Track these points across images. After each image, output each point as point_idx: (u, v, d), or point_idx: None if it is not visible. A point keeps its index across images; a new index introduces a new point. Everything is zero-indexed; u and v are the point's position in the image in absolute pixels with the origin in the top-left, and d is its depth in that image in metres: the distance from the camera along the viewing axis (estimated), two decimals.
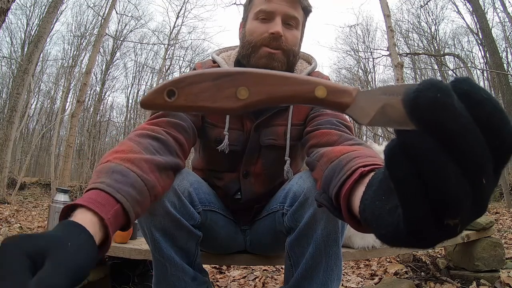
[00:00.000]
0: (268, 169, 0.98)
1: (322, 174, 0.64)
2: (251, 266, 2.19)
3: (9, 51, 15.14)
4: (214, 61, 0.99)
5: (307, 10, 0.94)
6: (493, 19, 11.48)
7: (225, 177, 0.99)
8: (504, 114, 0.23)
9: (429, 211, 0.23)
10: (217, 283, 1.96)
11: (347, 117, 0.91)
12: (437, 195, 0.22)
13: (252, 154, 0.97)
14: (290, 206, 0.84)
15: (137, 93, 18.67)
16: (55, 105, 16.56)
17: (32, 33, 13.99)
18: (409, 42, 15.01)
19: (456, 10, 13.27)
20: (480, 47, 12.02)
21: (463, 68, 11.83)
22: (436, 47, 13.99)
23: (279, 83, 0.27)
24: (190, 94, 0.27)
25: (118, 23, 16.18)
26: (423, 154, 0.22)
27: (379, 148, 1.65)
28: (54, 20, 9.30)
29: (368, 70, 15.93)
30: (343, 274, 1.88)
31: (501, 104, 0.24)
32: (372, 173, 0.40)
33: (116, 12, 12.99)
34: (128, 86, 19.11)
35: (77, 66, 14.44)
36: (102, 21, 9.70)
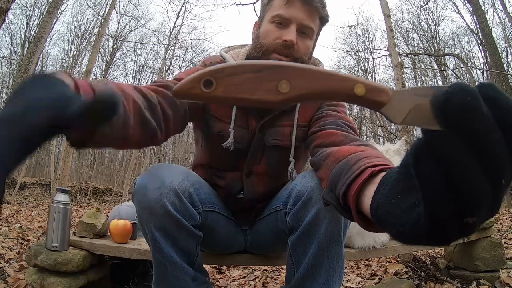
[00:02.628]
0: (271, 169, 0.98)
1: (329, 173, 0.64)
2: (251, 266, 2.19)
3: (9, 51, 15.14)
4: (222, 58, 0.98)
5: (324, 20, 0.93)
6: (493, 19, 11.47)
7: (227, 176, 0.99)
8: None
9: (452, 209, 0.24)
10: (217, 283, 1.96)
11: (351, 118, 0.92)
12: (460, 194, 0.23)
13: (256, 153, 0.97)
14: (293, 205, 0.84)
15: None
16: None
17: (32, 33, 13.98)
18: (409, 42, 15.00)
19: (456, 10, 13.27)
20: (480, 47, 12.01)
21: (463, 68, 11.83)
22: (436, 47, 13.98)
23: (320, 79, 0.27)
24: (229, 85, 0.26)
25: (118, 23, 16.18)
26: (449, 154, 0.23)
27: (380, 148, 1.65)
28: (54, 20, 9.30)
29: (368, 70, 15.92)
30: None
31: None
32: (383, 173, 0.41)
33: (116, 12, 13.01)
34: None
35: (77, 66, 14.44)
36: (102, 21, 9.70)
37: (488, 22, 8.72)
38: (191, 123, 0.99)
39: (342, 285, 1.84)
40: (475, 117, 0.22)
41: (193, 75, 0.27)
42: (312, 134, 0.89)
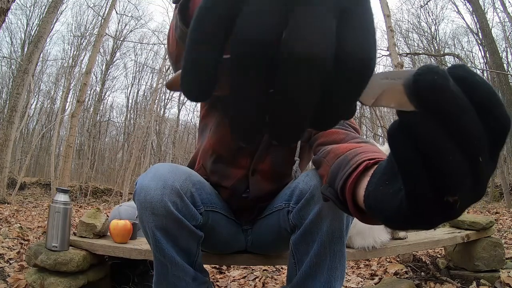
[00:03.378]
0: (275, 168, 0.98)
1: (328, 169, 0.65)
2: (251, 266, 2.19)
3: (9, 51, 15.16)
4: None
5: None
6: (493, 19, 11.49)
7: (231, 175, 0.99)
8: (497, 97, 0.24)
9: (430, 187, 0.25)
10: (217, 283, 1.96)
11: (353, 119, 0.92)
12: (436, 171, 0.24)
13: (262, 151, 0.97)
14: (296, 204, 0.84)
15: (137, 93, 18.70)
16: (55, 105, 16.56)
17: (32, 33, 13.99)
18: (409, 42, 15.02)
19: (456, 10, 13.29)
20: (480, 47, 12.02)
21: None
22: (436, 47, 14.00)
23: None
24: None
25: (118, 23, 16.21)
26: (422, 133, 0.23)
27: (380, 148, 1.66)
28: (54, 20, 9.31)
29: None
30: None
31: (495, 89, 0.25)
32: (376, 166, 0.41)
33: (116, 12, 13.01)
34: (128, 86, 19.14)
35: (77, 66, 14.45)
36: (102, 21, 9.70)
37: (488, 22, 8.72)
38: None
39: (342, 285, 1.84)
40: (443, 95, 0.22)
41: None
42: (316, 134, 0.90)
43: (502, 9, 10.04)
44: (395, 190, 0.30)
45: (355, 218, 0.75)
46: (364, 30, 0.21)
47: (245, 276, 2.11)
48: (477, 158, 0.24)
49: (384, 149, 1.70)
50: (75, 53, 15.17)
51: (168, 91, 16.09)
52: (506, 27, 11.58)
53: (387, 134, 0.26)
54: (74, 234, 1.43)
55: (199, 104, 1.24)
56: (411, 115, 0.24)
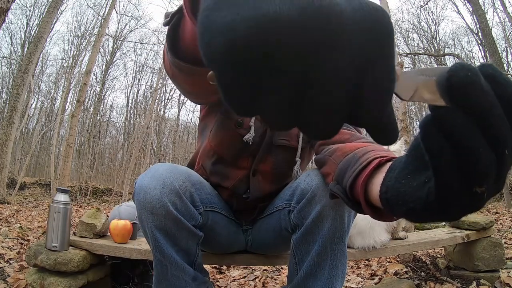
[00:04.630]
0: (277, 169, 0.99)
1: (335, 168, 0.65)
2: (251, 266, 2.19)
3: (9, 51, 15.15)
4: None
5: None
6: (493, 19, 11.49)
7: (232, 175, 0.99)
8: None
9: (460, 178, 0.27)
10: (217, 283, 1.96)
11: None
12: (466, 162, 0.26)
13: (264, 152, 0.97)
14: (297, 203, 0.84)
15: (137, 93, 18.69)
16: (55, 105, 16.56)
17: (32, 33, 13.98)
18: (409, 42, 15.02)
19: (456, 10, 13.32)
20: (480, 47, 12.03)
21: None
22: (436, 47, 14.00)
23: None
24: None
25: (118, 23, 16.21)
26: (455, 127, 0.25)
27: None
28: (54, 20, 9.30)
29: None
30: None
31: None
32: (389, 163, 0.42)
33: (116, 12, 13.00)
34: (128, 86, 19.14)
35: (77, 66, 14.44)
36: (102, 21, 9.69)
37: (488, 22, 8.72)
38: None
39: (343, 285, 1.84)
40: (475, 91, 0.24)
41: None
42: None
43: (502, 9, 10.05)
44: (419, 183, 0.31)
45: (355, 218, 0.76)
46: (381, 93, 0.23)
47: (245, 276, 2.11)
48: (503, 151, 0.25)
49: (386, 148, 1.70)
50: (75, 53, 15.17)
51: (168, 91, 16.05)
52: (506, 27, 11.58)
53: (419, 127, 0.28)
54: (74, 234, 1.43)
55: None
56: (444, 109, 0.25)
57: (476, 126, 0.25)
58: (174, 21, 0.43)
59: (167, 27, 0.45)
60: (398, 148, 1.67)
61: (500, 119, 0.24)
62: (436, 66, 0.29)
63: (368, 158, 0.52)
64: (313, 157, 0.90)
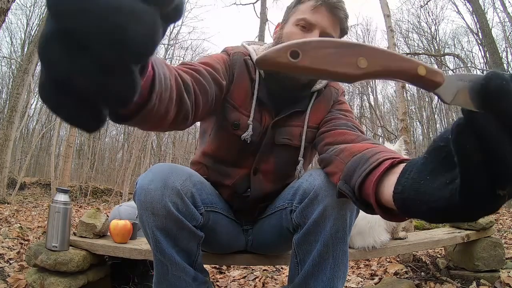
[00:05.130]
0: (279, 168, 0.99)
1: (342, 167, 0.65)
2: (251, 266, 2.19)
3: (9, 51, 15.16)
4: (245, 49, 0.98)
5: (344, 32, 0.95)
6: (493, 19, 11.49)
7: (234, 174, 0.99)
8: None
9: (487, 180, 0.28)
10: (217, 283, 1.96)
11: (358, 122, 0.94)
12: (495, 166, 0.27)
13: (265, 151, 0.97)
14: (299, 203, 0.84)
15: None
16: None
17: (32, 33, 13.99)
18: (409, 42, 15.01)
19: (456, 10, 13.30)
20: (480, 47, 12.02)
21: (463, 68, 11.83)
22: (436, 47, 13.99)
23: (392, 59, 0.31)
24: (314, 57, 0.29)
25: None
26: (487, 131, 0.26)
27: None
28: None
29: None
30: None
31: None
32: (402, 164, 0.44)
33: None
34: None
35: None
36: None
37: (488, 22, 8.71)
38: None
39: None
40: (508, 99, 0.25)
41: (279, 46, 0.30)
42: (322, 133, 0.91)
43: (502, 9, 10.04)
44: (440, 184, 0.33)
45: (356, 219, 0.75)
46: None
47: (245, 276, 2.11)
48: None
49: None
50: None
51: None
52: (506, 27, 11.58)
53: (452, 129, 0.29)
54: (74, 234, 1.43)
55: None
56: (477, 115, 0.27)
57: (505, 132, 0.26)
58: None
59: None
60: (397, 148, 1.67)
61: None
62: (472, 73, 0.31)
63: (379, 158, 0.52)
64: (316, 157, 0.90)
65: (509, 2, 10.10)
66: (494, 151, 0.26)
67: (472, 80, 0.28)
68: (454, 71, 10.86)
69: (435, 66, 0.30)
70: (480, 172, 0.28)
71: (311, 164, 1.14)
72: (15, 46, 15.21)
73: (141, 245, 1.33)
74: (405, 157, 0.53)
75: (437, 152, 0.33)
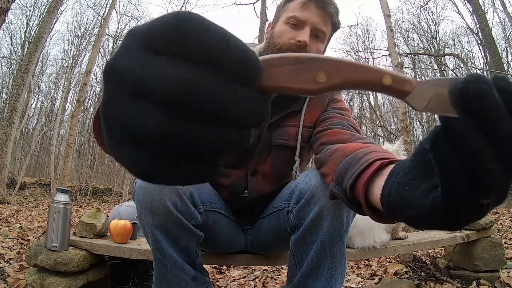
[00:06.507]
0: (276, 169, 0.99)
1: (335, 168, 0.65)
2: (251, 266, 2.19)
3: (9, 51, 15.15)
4: None
5: (336, 27, 0.95)
6: (493, 19, 11.49)
7: (232, 174, 0.99)
8: None
9: (468, 190, 0.26)
10: (217, 283, 1.96)
11: (355, 121, 0.93)
12: (475, 175, 0.25)
13: (262, 152, 0.97)
14: (296, 204, 0.84)
15: None
16: (55, 105, 16.56)
17: (32, 33, 13.98)
18: (409, 42, 15.02)
19: (456, 10, 13.30)
20: (480, 47, 12.02)
21: (463, 68, 11.83)
22: (436, 47, 13.98)
23: (353, 70, 0.30)
24: (274, 75, 0.28)
25: (118, 23, 16.18)
26: (465, 138, 0.25)
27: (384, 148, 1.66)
28: (54, 20, 9.30)
29: None
30: None
31: None
32: (392, 165, 0.42)
33: (116, 12, 12.99)
34: None
35: (77, 66, 14.45)
36: (102, 21, 9.69)
37: (488, 22, 8.72)
38: None
39: (343, 285, 1.84)
40: (488, 104, 0.24)
41: None
42: (318, 133, 0.90)
43: (502, 9, 10.04)
44: (423, 190, 0.31)
45: (354, 218, 0.75)
46: None
47: (245, 276, 2.11)
48: (510, 165, 0.25)
49: (384, 148, 1.70)
50: (75, 53, 15.18)
51: None
52: (506, 27, 11.58)
53: (429, 139, 0.28)
54: (74, 234, 1.43)
55: None
56: (455, 121, 0.25)
57: (485, 139, 0.24)
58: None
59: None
60: (396, 148, 1.67)
61: (510, 133, 0.24)
62: (449, 77, 0.29)
63: (369, 159, 0.52)
64: (313, 157, 0.90)
65: (509, 2, 10.11)
66: (474, 160, 0.25)
67: (448, 84, 0.26)
68: (454, 71, 10.86)
69: (435, 66, 0.30)
70: (461, 181, 0.26)
71: (309, 164, 1.14)
72: (15, 46, 15.22)
73: (141, 245, 1.33)
74: (395, 157, 0.52)
75: (421, 155, 0.32)
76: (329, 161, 0.71)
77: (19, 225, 3.31)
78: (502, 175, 0.25)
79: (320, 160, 0.77)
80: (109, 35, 13.39)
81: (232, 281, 2.04)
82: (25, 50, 13.01)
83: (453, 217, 0.29)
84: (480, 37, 10.23)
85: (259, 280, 2.00)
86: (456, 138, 0.25)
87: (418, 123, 15.92)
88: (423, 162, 0.31)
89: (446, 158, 0.26)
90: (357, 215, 0.84)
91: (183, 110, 0.20)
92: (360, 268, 2.33)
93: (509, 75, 8.35)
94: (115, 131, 0.21)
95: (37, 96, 16.62)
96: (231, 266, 2.19)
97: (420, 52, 12.99)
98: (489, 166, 0.25)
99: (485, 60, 11.71)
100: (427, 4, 12.66)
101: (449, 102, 0.25)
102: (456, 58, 12.27)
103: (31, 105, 14.70)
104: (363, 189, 0.48)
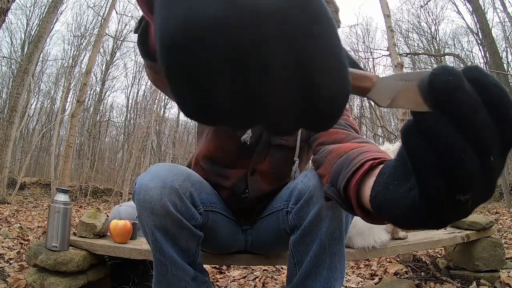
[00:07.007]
0: (275, 169, 0.99)
1: (330, 169, 0.64)
2: (251, 266, 2.19)
3: (9, 51, 15.15)
4: None
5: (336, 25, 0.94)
6: (493, 19, 11.49)
7: (232, 176, 0.99)
8: (509, 98, 0.24)
9: (443, 185, 0.25)
10: (217, 283, 1.96)
11: (353, 120, 0.93)
12: (449, 169, 0.24)
13: (261, 152, 0.97)
14: (295, 204, 0.84)
15: (137, 93, 18.69)
16: (55, 105, 16.55)
17: (32, 33, 13.98)
18: (409, 42, 15.02)
19: (456, 10, 13.30)
20: (480, 47, 12.02)
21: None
22: (436, 47, 13.99)
23: None
24: None
25: (118, 23, 16.23)
26: (436, 132, 0.24)
27: (382, 148, 1.66)
28: (54, 20, 9.30)
29: (368, 70, 15.89)
30: None
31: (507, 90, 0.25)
32: (381, 166, 0.42)
33: (116, 12, 12.98)
34: (128, 86, 19.16)
35: (77, 66, 14.45)
36: (102, 21, 9.69)
37: (488, 22, 8.72)
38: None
39: (342, 285, 1.84)
40: (457, 95, 0.23)
41: None
42: (316, 134, 0.90)
43: (502, 9, 10.03)
44: (406, 190, 0.30)
45: (354, 218, 0.75)
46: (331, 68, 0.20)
47: (245, 276, 2.11)
48: (488, 158, 0.24)
49: (383, 149, 1.70)
50: (75, 53, 15.17)
51: None
52: (506, 27, 11.58)
53: (401, 133, 0.27)
54: (74, 234, 1.43)
55: None
56: (426, 115, 0.24)
57: (459, 131, 0.24)
58: (142, 25, 0.42)
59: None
60: (396, 148, 1.66)
61: (484, 124, 0.24)
62: (417, 71, 0.28)
63: (361, 160, 0.51)
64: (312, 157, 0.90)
65: (509, 2, 10.10)
66: (447, 154, 0.24)
67: (418, 78, 0.25)
68: None
69: (435, 66, 0.29)
70: (435, 177, 0.25)
71: (308, 164, 1.14)
72: (15, 46, 15.22)
73: (141, 245, 1.33)
74: (387, 156, 0.52)
75: (404, 154, 0.30)
76: (325, 162, 0.71)
77: (19, 225, 3.31)
78: (479, 168, 0.24)
79: (317, 161, 0.77)
80: (109, 35, 13.40)
81: (232, 281, 2.04)
82: (25, 50, 13.01)
83: (433, 215, 0.28)
84: (480, 37, 10.24)
85: (259, 280, 2.00)
86: (428, 132, 0.24)
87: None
88: (406, 161, 0.30)
89: (420, 154, 0.25)
90: None
91: None
92: (360, 268, 2.33)
93: (509, 75, 8.34)
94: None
95: (37, 96, 16.63)
96: (231, 266, 2.19)
97: (420, 52, 13.00)
98: (464, 161, 0.24)
99: (485, 60, 11.71)
100: (427, 4, 12.66)
101: (420, 96, 0.25)
102: (456, 58, 12.26)
103: (31, 105, 14.70)
104: (354, 190, 0.48)
